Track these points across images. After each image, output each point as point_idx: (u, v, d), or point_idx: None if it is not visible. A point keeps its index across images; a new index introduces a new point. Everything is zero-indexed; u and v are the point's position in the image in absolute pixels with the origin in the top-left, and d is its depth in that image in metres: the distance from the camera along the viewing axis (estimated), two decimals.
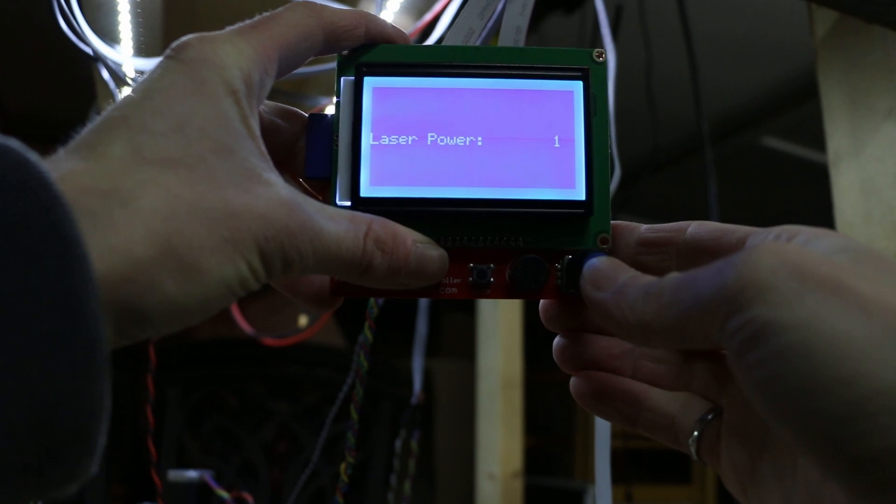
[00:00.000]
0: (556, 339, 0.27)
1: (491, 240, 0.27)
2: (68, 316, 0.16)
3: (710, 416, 0.26)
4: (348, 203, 0.26)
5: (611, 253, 0.27)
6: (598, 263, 0.24)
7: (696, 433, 0.26)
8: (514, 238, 0.27)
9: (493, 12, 0.30)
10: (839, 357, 0.17)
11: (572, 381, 0.27)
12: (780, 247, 0.19)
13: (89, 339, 0.17)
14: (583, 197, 0.26)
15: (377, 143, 0.26)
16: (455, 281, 0.27)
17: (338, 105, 0.27)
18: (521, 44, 0.30)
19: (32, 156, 0.17)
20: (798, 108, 1.77)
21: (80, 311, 0.17)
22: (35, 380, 0.16)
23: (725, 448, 0.25)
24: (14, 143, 0.17)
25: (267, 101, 0.27)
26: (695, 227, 0.25)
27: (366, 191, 0.26)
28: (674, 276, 0.22)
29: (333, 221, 0.23)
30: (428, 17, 0.53)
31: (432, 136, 0.26)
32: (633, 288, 0.23)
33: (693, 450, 0.26)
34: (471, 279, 0.26)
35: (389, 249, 0.24)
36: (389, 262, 0.24)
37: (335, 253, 0.23)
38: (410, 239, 0.25)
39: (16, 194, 0.16)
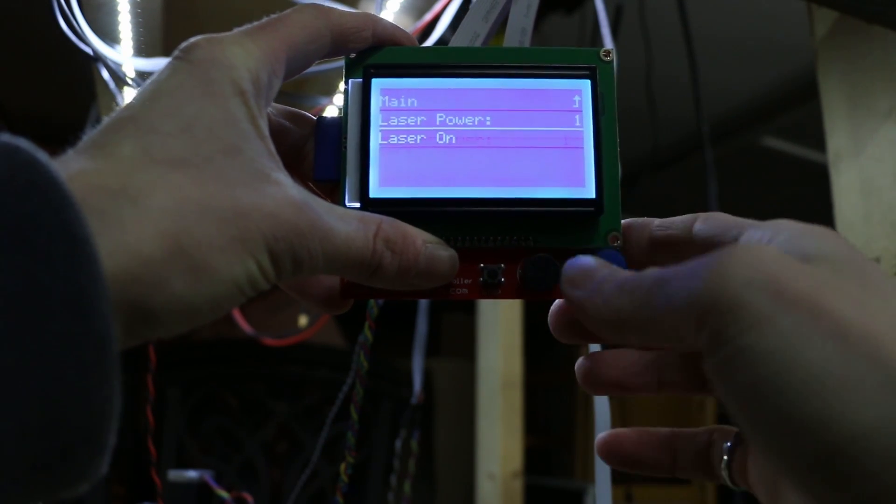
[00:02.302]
0: (578, 364, 0.27)
1: (501, 239, 0.26)
2: (78, 316, 0.16)
3: (735, 441, 0.25)
4: (358, 204, 0.26)
5: (622, 251, 0.26)
6: (576, 262, 0.24)
7: (725, 458, 0.25)
8: (524, 237, 0.27)
9: (497, 15, 0.30)
10: (816, 393, 0.16)
11: (602, 447, 0.27)
12: (756, 255, 0.18)
13: (99, 339, 0.17)
14: (593, 195, 0.26)
15: (386, 143, 0.26)
16: (466, 281, 0.27)
17: (346, 107, 0.27)
18: (527, 46, 0.30)
19: (41, 155, 0.17)
20: (798, 108, 1.77)
21: (90, 310, 0.17)
22: (45, 379, 0.16)
23: (752, 466, 0.24)
24: (23, 143, 0.17)
25: (275, 104, 0.27)
26: (700, 224, 0.25)
27: (375, 192, 0.26)
28: (651, 272, 0.21)
29: (343, 221, 0.23)
30: (428, 17, 0.53)
31: (441, 137, 0.26)
32: (610, 283, 0.22)
33: (726, 476, 0.25)
34: (481, 279, 0.26)
35: (399, 250, 0.24)
36: (399, 262, 0.24)
37: (345, 253, 0.23)
38: (420, 239, 0.25)
39: (25, 194, 0.16)
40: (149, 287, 0.19)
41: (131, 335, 0.19)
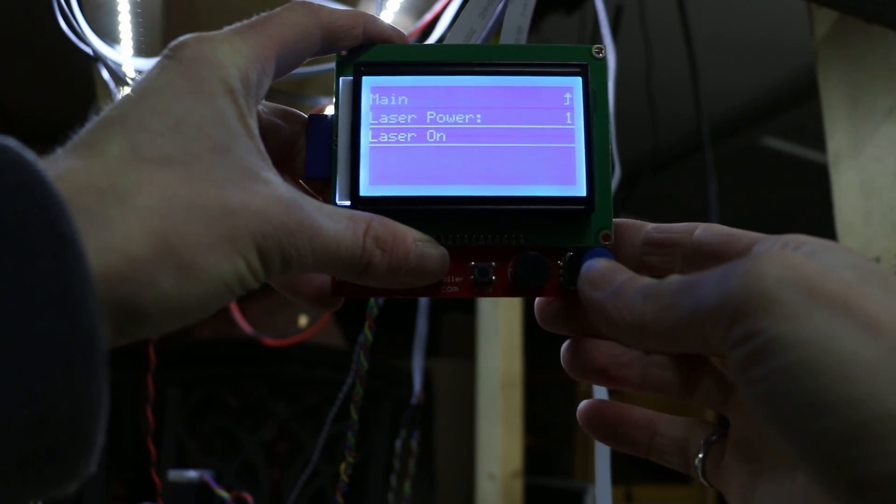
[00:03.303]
0: (564, 347, 0.27)
1: (492, 237, 0.26)
2: (65, 314, 0.16)
3: (714, 437, 0.26)
4: (348, 203, 0.26)
5: (613, 249, 0.26)
6: (595, 264, 0.25)
7: (700, 455, 0.26)
8: (515, 235, 0.26)
9: (494, 12, 0.30)
10: (847, 377, 0.17)
11: (583, 414, 0.27)
12: (787, 257, 0.19)
13: (87, 337, 0.17)
14: (584, 193, 0.26)
15: (376, 142, 0.26)
16: (457, 279, 0.26)
17: (337, 105, 0.27)
18: (523, 43, 0.30)
19: (29, 154, 0.17)
20: (798, 108, 1.77)
21: (78, 309, 0.16)
22: (32, 378, 0.16)
23: (729, 465, 0.25)
24: (11, 142, 0.17)
25: (266, 102, 0.27)
26: (702, 231, 0.25)
27: (365, 190, 0.26)
28: (674, 278, 0.22)
29: (332, 220, 0.23)
30: (428, 17, 0.53)
31: (431, 135, 0.26)
32: (632, 288, 0.23)
33: (699, 471, 0.26)
34: (472, 277, 0.26)
35: (389, 248, 0.24)
36: (389, 260, 0.24)
37: (334, 251, 0.23)
38: (410, 237, 0.25)
39: (13, 193, 0.16)
40: (137, 285, 0.19)
41: (120, 334, 0.19)
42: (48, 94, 1.60)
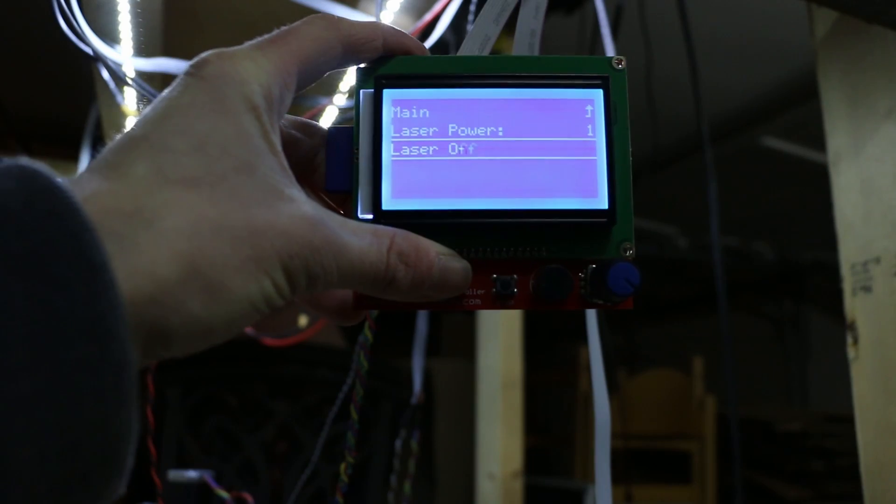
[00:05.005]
0: None
1: (514, 250, 0.26)
2: (97, 342, 0.16)
3: None
4: (370, 216, 0.26)
5: (634, 261, 0.26)
6: None
7: None
8: (537, 248, 0.26)
9: (507, 17, 0.30)
10: None
11: None
12: None
13: (118, 365, 0.17)
14: (605, 206, 0.26)
15: (398, 155, 0.26)
16: (479, 292, 0.27)
17: (357, 118, 0.27)
18: (536, 47, 0.30)
19: (59, 180, 0.17)
20: (798, 108, 1.78)
21: (109, 336, 0.17)
22: (64, 406, 0.16)
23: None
24: (41, 167, 0.17)
25: (286, 115, 0.26)
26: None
27: (388, 204, 0.26)
28: None
29: (357, 236, 0.23)
30: (428, 17, 0.53)
31: (453, 148, 0.26)
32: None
33: None
34: (494, 290, 0.26)
35: (413, 262, 0.24)
36: (413, 275, 0.24)
37: (359, 268, 0.23)
38: (433, 251, 0.25)
39: (44, 221, 0.16)
40: (165, 308, 0.19)
41: (147, 355, 0.19)
42: (48, 94, 1.60)
